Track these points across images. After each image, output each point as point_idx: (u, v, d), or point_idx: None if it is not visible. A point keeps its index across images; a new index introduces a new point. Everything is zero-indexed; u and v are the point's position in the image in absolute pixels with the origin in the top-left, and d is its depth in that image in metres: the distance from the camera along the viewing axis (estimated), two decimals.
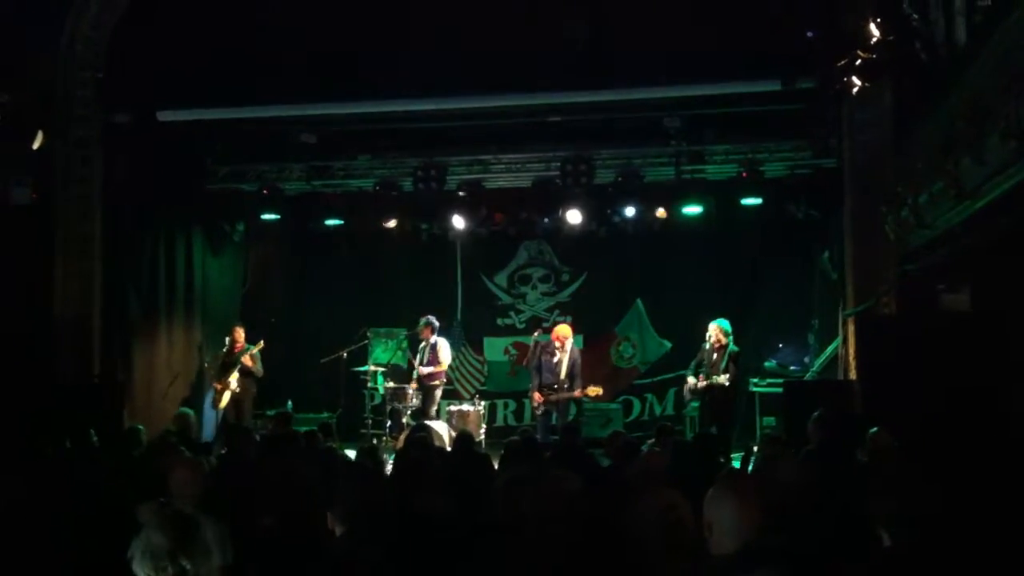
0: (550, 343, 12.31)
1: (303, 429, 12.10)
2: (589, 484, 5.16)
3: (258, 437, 9.07)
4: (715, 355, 11.52)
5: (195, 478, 5.15)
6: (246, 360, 12.96)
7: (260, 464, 6.79)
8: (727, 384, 11.34)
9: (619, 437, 8.43)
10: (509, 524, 4.11)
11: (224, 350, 13.28)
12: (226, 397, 12.90)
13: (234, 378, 12.93)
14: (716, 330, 11.58)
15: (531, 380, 12.44)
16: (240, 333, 13.22)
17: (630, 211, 13.14)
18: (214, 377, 13.26)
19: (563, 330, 12.43)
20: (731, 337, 11.52)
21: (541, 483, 4.29)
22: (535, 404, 12.28)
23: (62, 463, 7.08)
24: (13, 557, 4.83)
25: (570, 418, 11.92)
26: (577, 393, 12.09)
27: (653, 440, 8.83)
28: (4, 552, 4.83)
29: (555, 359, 12.18)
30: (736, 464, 10.04)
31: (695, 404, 12.15)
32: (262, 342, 13.16)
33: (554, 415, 12.11)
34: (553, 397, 12.07)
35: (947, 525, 4.02)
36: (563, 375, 12.10)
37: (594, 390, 12.25)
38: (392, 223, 13.71)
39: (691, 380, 11.81)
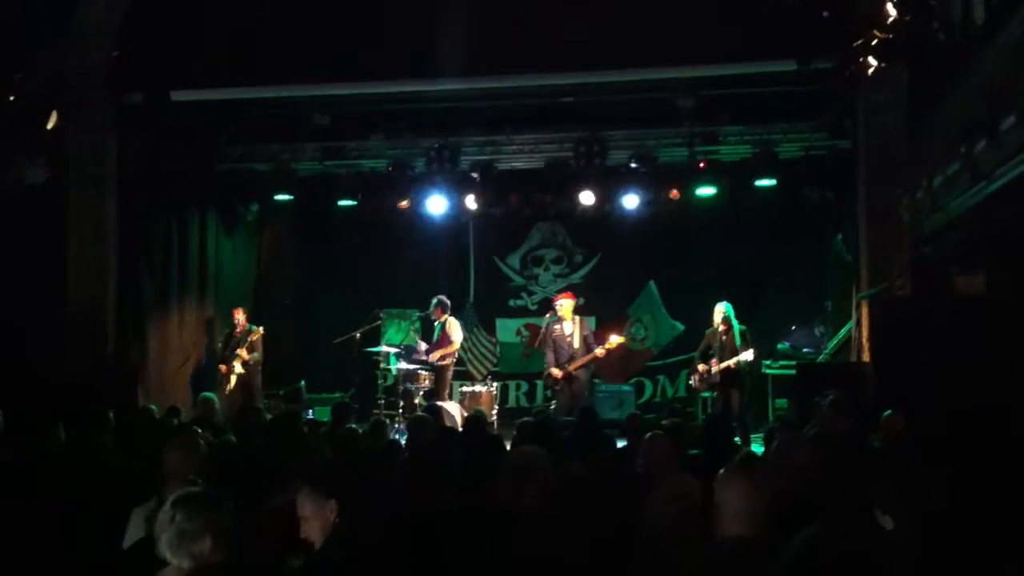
0: (558, 319, 12.15)
1: (317, 408, 12.46)
2: (606, 469, 5.13)
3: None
4: (724, 337, 11.46)
5: (189, 458, 5.04)
6: (242, 352, 12.84)
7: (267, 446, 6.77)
8: (752, 359, 11.33)
9: (636, 420, 8.45)
10: (517, 512, 4.10)
11: (227, 332, 13.26)
12: (232, 380, 12.84)
13: (239, 361, 12.85)
14: (720, 312, 11.54)
15: (545, 359, 12.24)
16: (240, 315, 13.16)
17: (640, 195, 13.04)
18: (219, 360, 13.16)
19: (563, 301, 12.34)
20: (735, 318, 11.50)
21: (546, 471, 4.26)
22: (552, 381, 12.16)
23: (74, 444, 7.10)
24: (23, 536, 4.86)
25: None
26: (600, 352, 11.91)
27: (667, 422, 8.81)
28: (14, 531, 4.86)
29: (566, 332, 12.07)
30: (756, 448, 10.02)
31: (706, 395, 12.10)
32: (261, 328, 13.05)
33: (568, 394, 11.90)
34: (573, 367, 11.89)
35: (953, 510, 4.00)
36: (576, 344, 11.99)
37: (613, 341, 12.11)
38: (405, 204, 13.68)
39: (702, 367, 11.69)
